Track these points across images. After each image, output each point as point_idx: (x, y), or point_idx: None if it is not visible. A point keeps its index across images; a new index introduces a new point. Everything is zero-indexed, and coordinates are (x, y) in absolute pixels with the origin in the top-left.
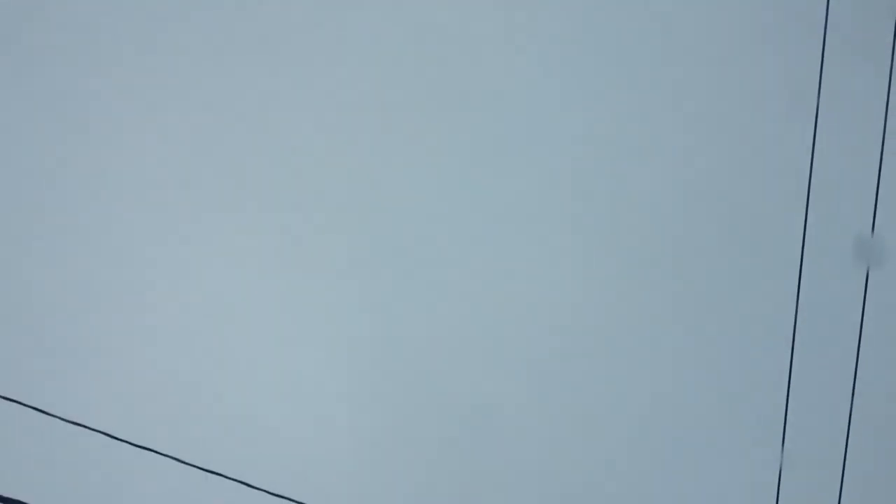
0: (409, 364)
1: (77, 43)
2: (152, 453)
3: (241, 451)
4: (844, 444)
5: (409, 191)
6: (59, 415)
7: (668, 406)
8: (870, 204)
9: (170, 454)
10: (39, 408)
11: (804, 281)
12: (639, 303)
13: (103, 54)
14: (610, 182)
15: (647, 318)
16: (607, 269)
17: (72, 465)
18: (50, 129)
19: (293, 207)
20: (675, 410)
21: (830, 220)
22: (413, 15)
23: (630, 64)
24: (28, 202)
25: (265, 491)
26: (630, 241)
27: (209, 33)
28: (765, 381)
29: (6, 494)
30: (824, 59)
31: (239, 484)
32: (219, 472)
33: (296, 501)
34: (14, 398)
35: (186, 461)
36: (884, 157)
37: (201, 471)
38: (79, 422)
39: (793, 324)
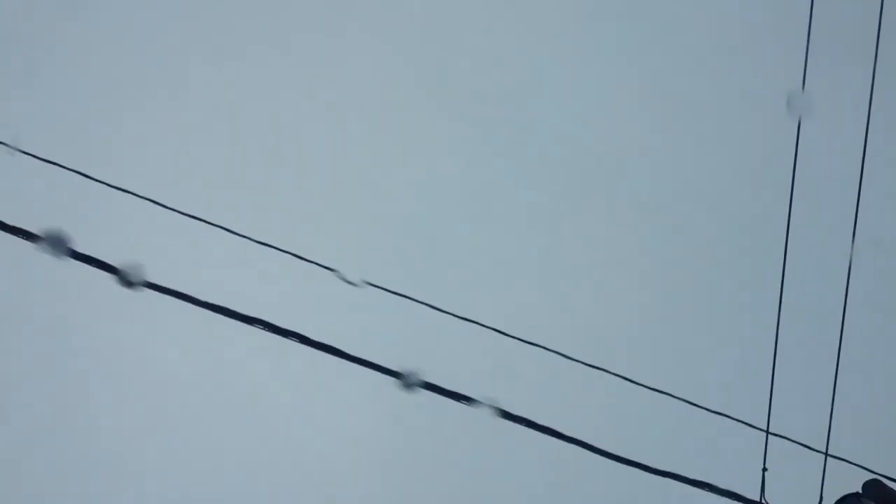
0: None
1: (77, 43)
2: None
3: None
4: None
5: (428, 195)
6: None
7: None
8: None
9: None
10: None
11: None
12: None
13: (103, 55)
14: (608, 182)
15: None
16: (607, 267)
17: None
18: (51, 130)
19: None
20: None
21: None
22: (413, 15)
23: (628, 65)
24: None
25: None
26: (629, 238)
27: (209, 34)
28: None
29: None
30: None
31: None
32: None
33: None
34: None
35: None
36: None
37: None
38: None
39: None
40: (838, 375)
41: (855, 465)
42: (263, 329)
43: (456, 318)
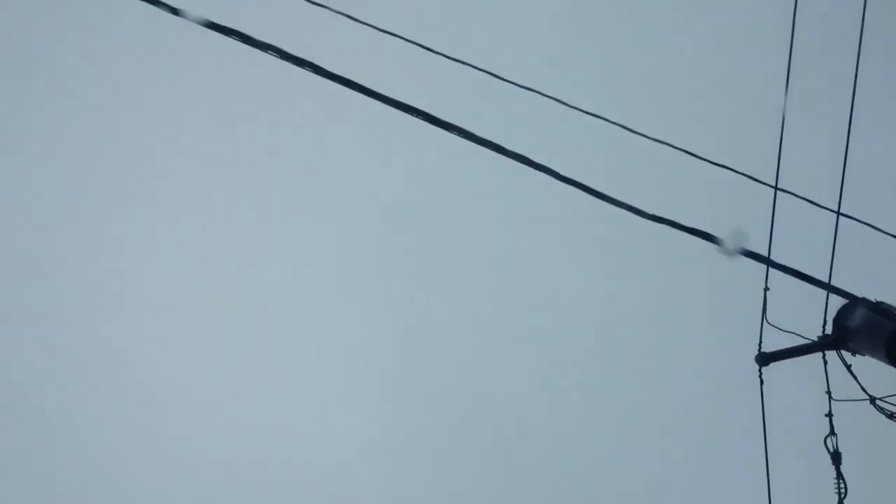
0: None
1: (77, 44)
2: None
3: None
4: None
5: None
6: None
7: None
8: None
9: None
10: None
11: None
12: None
13: (102, 56)
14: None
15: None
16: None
17: None
18: (53, 133)
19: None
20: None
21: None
22: (414, 15)
23: (625, 66)
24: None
25: None
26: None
27: (209, 34)
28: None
29: None
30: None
31: None
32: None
33: None
34: None
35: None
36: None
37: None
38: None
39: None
40: (851, 130)
41: (866, 224)
42: (276, 56)
43: None
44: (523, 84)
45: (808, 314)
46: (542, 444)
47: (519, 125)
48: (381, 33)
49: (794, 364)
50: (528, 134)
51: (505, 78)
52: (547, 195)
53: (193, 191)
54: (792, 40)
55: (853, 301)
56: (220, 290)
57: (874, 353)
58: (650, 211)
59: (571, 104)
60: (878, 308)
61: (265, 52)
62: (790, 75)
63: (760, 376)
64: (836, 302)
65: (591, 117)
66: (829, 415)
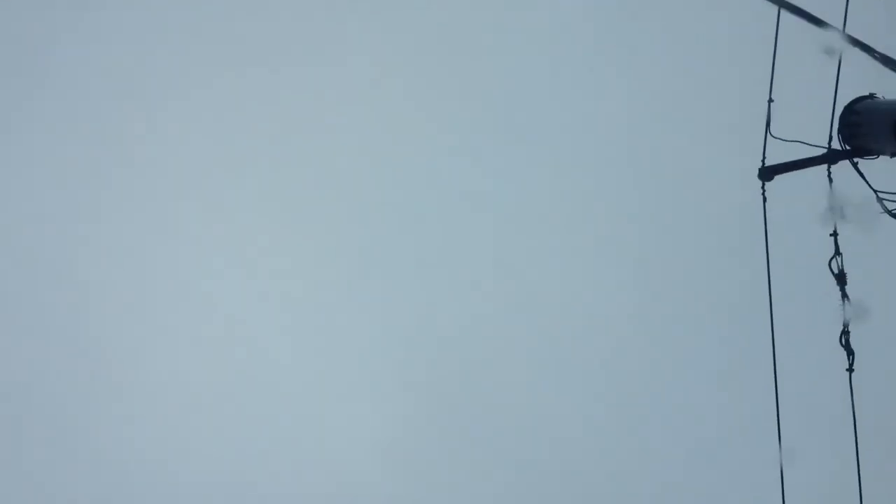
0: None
1: (79, 46)
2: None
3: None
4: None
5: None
6: None
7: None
8: None
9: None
10: None
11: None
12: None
13: (103, 56)
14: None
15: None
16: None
17: None
18: (56, 133)
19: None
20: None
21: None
22: (415, 15)
23: (623, 66)
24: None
25: None
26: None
27: (210, 35)
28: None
29: None
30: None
31: None
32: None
33: None
34: None
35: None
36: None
37: None
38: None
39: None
40: None
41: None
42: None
43: None
44: None
45: (814, 126)
46: (551, 441)
47: None
48: None
49: (798, 183)
50: None
51: None
52: (547, 196)
53: (201, 190)
54: None
55: (860, 97)
56: (231, 288)
57: (882, 141)
58: None
59: None
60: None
61: None
62: None
63: (763, 193)
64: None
65: None
66: (835, 234)
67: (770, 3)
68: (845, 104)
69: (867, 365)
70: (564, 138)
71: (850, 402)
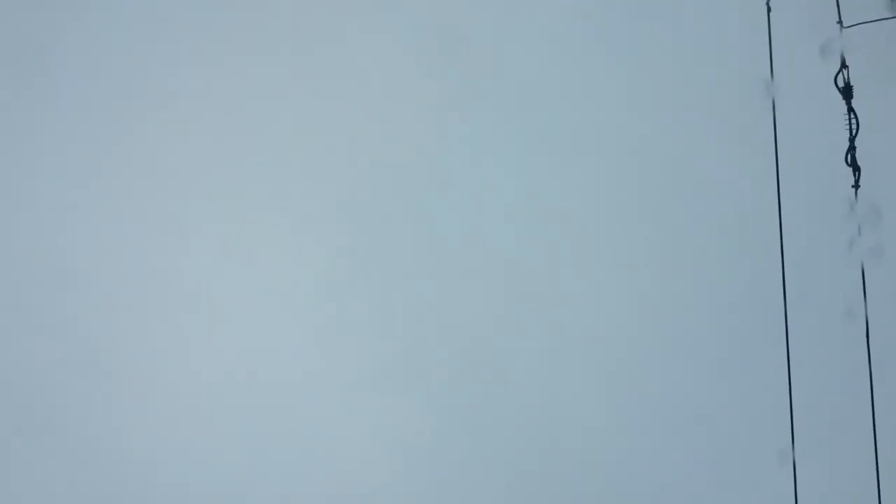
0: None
1: (80, 45)
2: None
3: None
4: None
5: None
6: None
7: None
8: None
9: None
10: None
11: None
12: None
13: (103, 55)
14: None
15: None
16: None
17: None
18: (57, 133)
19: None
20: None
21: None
22: (417, 14)
23: (623, 66)
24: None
25: None
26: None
27: (211, 34)
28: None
29: None
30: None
31: None
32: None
33: None
34: None
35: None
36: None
37: None
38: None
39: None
40: None
41: None
42: None
43: None
44: None
45: None
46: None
47: None
48: None
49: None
50: None
51: None
52: (549, 194)
53: (204, 190)
54: None
55: None
56: (241, 289)
57: None
58: None
59: None
60: None
61: None
62: None
63: (768, 3)
64: None
65: None
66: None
67: None
68: None
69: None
70: (574, 136)
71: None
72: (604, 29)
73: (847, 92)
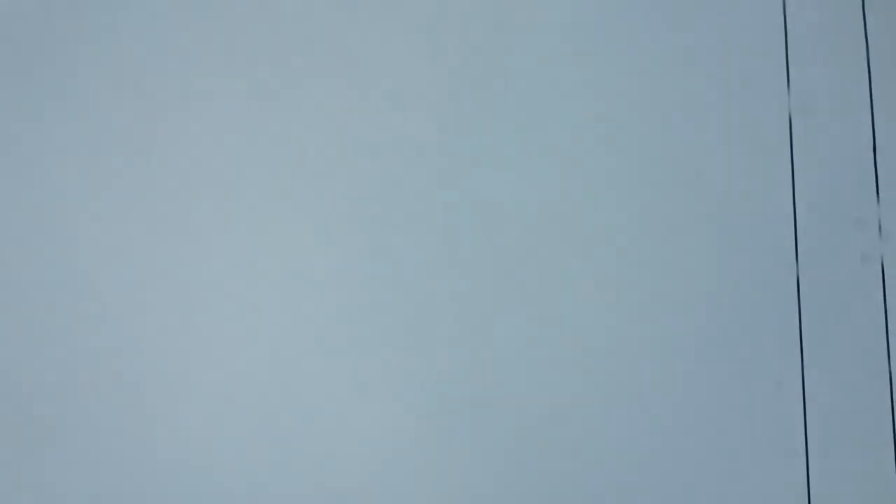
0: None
1: (82, 43)
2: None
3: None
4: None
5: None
6: None
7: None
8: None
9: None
10: None
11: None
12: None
13: (112, 55)
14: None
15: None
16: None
17: None
18: (57, 132)
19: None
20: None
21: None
22: (419, 13)
23: (625, 65)
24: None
25: None
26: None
27: (216, 33)
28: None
29: None
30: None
31: None
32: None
33: None
34: None
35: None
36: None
37: None
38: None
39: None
40: None
41: None
42: None
43: None
44: None
45: None
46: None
47: None
48: None
49: None
50: None
51: None
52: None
53: (209, 190)
54: None
55: None
56: (246, 289)
57: None
58: None
59: None
60: None
61: None
62: None
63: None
64: None
65: None
66: None
67: None
68: None
69: None
70: (586, 138)
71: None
72: (618, 31)
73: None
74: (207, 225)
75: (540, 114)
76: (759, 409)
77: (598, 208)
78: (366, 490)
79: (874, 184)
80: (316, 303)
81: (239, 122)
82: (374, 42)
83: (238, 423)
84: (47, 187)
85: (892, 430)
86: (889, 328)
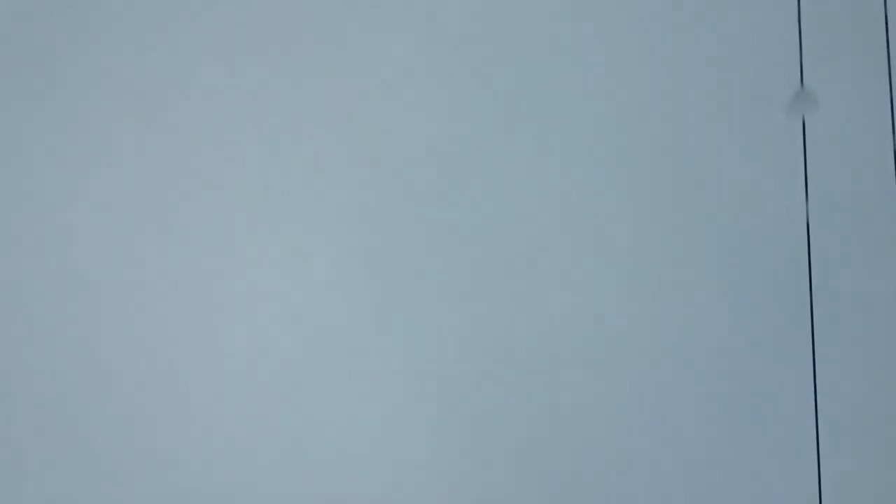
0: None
1: (81, 42)
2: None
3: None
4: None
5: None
6: None
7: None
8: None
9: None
10: None
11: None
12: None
13: (103, 53)
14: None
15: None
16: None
17: None
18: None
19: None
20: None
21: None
22: (421, 14)
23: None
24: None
25: None
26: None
27: (216, 32)
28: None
29: None
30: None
31: None
32: None
33: None
34: None
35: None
36: None
37: None
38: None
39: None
40: None
41: None
42: None
43: None
44: None
45: None
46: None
47: None
48: None
49: None
50: None
51: None
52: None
53: (210, 190)
54: None
55: None
56: (249, 289)
57: None
58: None
59: None
60: None
61: None
62: None
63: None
64: None
65: None
66: None
67: None
68: None
69: None
70: (594, 139)
71: None
72: (632, 32)
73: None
74: (208, 224)
75: (554, 114)
76: (770, 410)
77: (615, 207)
78: (366, 491)
79: (894, 183)
80: (320, 303)
81: (239, 121)
82: (376, 42)
83: (239, 425)
84: (48, 187)
85: None
86: None
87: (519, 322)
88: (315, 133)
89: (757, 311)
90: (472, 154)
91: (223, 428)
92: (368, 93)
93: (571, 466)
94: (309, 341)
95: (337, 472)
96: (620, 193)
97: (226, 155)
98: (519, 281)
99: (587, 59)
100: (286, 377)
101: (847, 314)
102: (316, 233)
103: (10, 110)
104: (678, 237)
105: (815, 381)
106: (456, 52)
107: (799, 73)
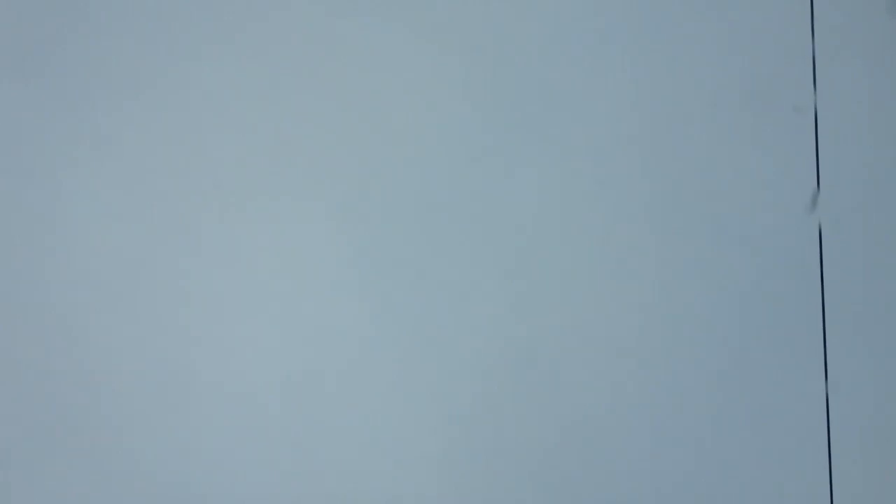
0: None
1: (83, 42)
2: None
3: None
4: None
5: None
6: None
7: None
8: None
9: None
10: None
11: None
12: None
13: (107, 52)
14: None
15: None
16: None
17: None
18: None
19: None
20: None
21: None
22: (420, 12)
23: (629, 64)
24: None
25: None
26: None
27: (218, 31)
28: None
29: None
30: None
31: None
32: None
33: None
34: None
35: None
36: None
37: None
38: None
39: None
40: None
41: None
42: None
43: None
44: None
45: None
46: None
47: None
48: None
49: None
50: None
51: None
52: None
53: (211, 190)
54: None
55: None
56: (250, 289)
57: None
58: None
59: None
60: None
61: None
62: None
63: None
64: None
65: None
66: None
67: None
68: None
69: None
70: (597, 139)
71: None
72: (637, 28)
73: None
74: (207, 225)
75: (556, 113)
76: (780, 410)
77: (619, 204)
78: (370, 490)
79: None
80: (323, 303)
81: (239, 121)
82: (376, 42)
83: (246, 423)
84: (47, 187)
85: None
86: None
87: (522, 321)
88: (322, 133)
89: (767, 310)
90: (472, 154)
91: (230, 426)
92: (370, 93)
93: (578, 467)
94: (314, 340)
95: (344, 471)
96: (625, 190)
97: (233, 154)
98: (521, 279)
99: (589, 57)
100: (294, 376)
101: (860, 312)
102: (321, 233)
103: (16, 111)
104: (685, 235)
105: (826, 381)
106: (456, 52)
107: (811, 70)
